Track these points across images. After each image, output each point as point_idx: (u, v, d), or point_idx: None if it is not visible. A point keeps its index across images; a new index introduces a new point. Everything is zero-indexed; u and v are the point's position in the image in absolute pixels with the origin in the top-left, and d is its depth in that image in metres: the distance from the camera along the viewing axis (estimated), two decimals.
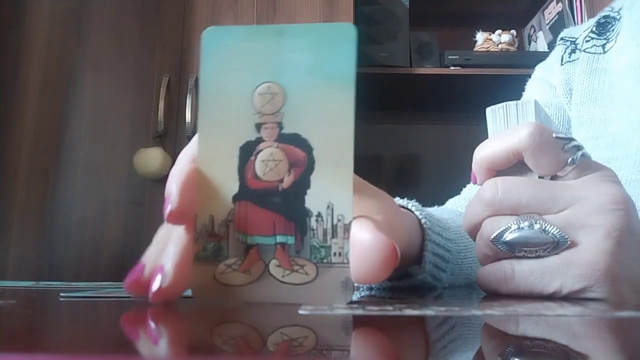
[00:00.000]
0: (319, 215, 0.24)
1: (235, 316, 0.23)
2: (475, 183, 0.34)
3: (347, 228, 0.24)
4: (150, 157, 1.33)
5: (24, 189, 1.35)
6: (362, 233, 0.23)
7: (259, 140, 0.25)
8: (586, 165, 0.31)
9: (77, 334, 0.19)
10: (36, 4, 1.44)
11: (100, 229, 1.34)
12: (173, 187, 0.24)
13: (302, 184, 0.24)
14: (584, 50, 0.58)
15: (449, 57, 1.55)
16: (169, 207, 0.24)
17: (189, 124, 1.35)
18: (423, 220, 0.38)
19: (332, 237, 0.24)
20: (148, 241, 0.27)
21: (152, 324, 0.21)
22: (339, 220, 0.24)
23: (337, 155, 0.24)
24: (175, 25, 1.44)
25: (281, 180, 0.25)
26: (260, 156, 0.25)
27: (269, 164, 0.25)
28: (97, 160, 1.37)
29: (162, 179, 1.32)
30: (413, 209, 0.39)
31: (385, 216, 0.26)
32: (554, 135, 0.30)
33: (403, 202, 0.40)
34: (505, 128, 0.34)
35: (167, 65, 1.41)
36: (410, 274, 0.38)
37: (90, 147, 1.38)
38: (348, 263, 0.24)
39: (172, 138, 1.39)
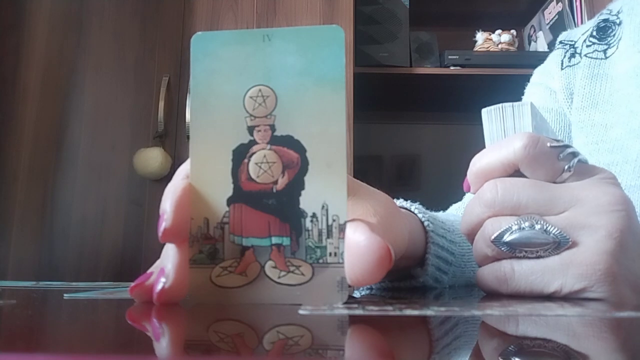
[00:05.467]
0: (313, 215, 0.24)
1: (234, 316, 0.23)
2: (468, 191, 0.34)
3: (342, 228, 0.24)
4: (150, 157, 1.33)
5: (24, 189, 1.36)
6: (356, 235, 0.23)
7: (252, 142, 0.25)
8: (584, 170, 0.31)
9: (82, 334, 0.19)
10: (36, 4, 1.44)
11: (100, 229, 1.34)
12: (167, 204, 0.24)
13: (296, 185, 0.25)
14: (585, 55, 0.58)
15: (449, 57, 1.55)
16: (162, 225, 0.24)
17: (189, 124, 1.35)
18: (426, 223, 0.38)
19: (327, 237, 0.24)
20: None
21: (153, 324, 0.21)
22: (333, 220, 0.24)
23: (331, 155, 0.24)
24: (175, 25, 1.44)
25: (275, 182, 0.25)
26: (253, 158, 0.25)
27: (263, 166, 0.25)
28: (97, 160, 1.37)
29: (162, 179, 1.33)
30: (416, 211, 0.39)
31: (381, 218, 0.26)
32: (548, 144, 0.30)
33: (406, 204, 0.40)
34: (501, 130, 0.33)
35: (167, 65, 1.42)
36: (412, 275, 0.38)
37: (90, 147, 1.38)
38: (343, 263, 0.24)
39: (172, 138, 1.39)
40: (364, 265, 0.23)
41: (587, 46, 0.59)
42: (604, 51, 0.57)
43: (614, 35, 0.57)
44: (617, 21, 0.57)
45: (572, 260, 0.29)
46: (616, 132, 0.52)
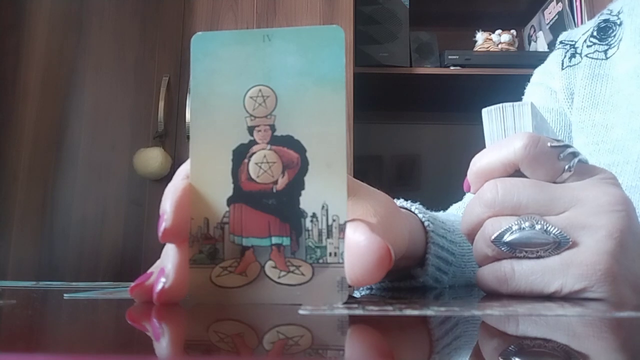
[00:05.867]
0: (313, 215, 0.24)
1: (234, 316, 0.23)
2: (468, 191, 0.34)
3: (342, 228, 0.24)
4: (150, 157, 1.33)
5: (24, 189, 1.36)
6: (356, 235, 0.23)
7: (252, 142, 0.25)
8: (584, 170, 0.31)
9: (82, 334, 0.19)
10: (36, 4, 1.44)
11: (100, 229, 1.34)
12: (167, 204, 0.24)
13: (296, 185, 0.25)
14: (585, 55, 0.58)
15: (449, 57, 1.55)
16: (162, 225, 0.24)
17: (189, 124, 1.34)
18: (426, 223, 0.38)
19: (327, 237, 0.24)
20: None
21: (153, 324, 0.21)
22: (333, 220, 0.24)
23: (330, 155, 0.24)
24: (175, 25, 1.44)
25: (275, 182, 0.25)
26: (253, 158, 0.25)
27: (263, 166, 0.25)
28: (97, 160, 1.37)
29: (162, 179, 1.33)
30: (416, 211, 0.39)
31: (381, 218, 0.26)
32: (548, 144, 0.30)
33: (407, 204, 0.40)
34: (501, 130, 0.33)
35: (167, 65, 1.42)
36: (412, 275, 0.38)
37: (90, 147, 1.38)
38: (343, 263, 0.24)
39: (172, 138, 1.39)
40: (364, 265, 0.23)
41: (588, 46, 0.59)
42: (605, 51, 0.57)
43: (614, 35, 0.57)
44: (618, 22, 0.57)
45: (573, 260, 0.29)
46: (617, 132, 0.52)
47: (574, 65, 0.59)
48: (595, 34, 0.59)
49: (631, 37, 0.55)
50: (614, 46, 0.56)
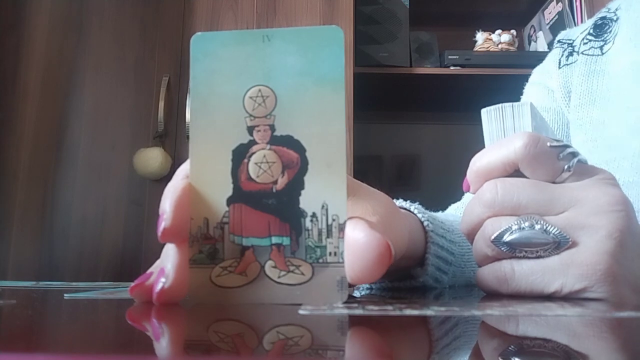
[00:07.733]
0: (313, 215, 0.24)
1: (234, 316, 0.23)
2: (467, 191, 0.34)
3: (341, 227, 0.24)
4: (150, 157, 1.33)
5: (24, 189, 1.36)
6: (355, 232, 0.23)
7: (252, 142, 0.25)
8: (583, 170, 0.31)
9: (82, 334, 0.19)
10: (36, 4, 1.44)
11: (100, 229, 1.34)
12: (167, 204, 0.24)
13: (296, 185, 0.25)
14: (581, 53, 0.58)
15: (449, 57, 1.55)
16: (162, 225, 0.24)
17: (189, 124, 1.34)
18: (425, 223, 0.38)
19: (327, 236, 0.24)
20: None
21: (153, 324, 0.21)
22: (333, 220, 0.24)
23: (330, 155, 0.24)
24: (175, 25, 1.44)
25: (275, 182, 0.25)
26: (253, 158, 0.25)
27: (263, 166, 0.25)
28: (97, 160, 1.37)
29: (162, 179, 1.33)
30: (415, 211, 0.39)
31: (380, 217, 0.26)
32: (548, 144, 0.30)
33: (406, 204, 0.40)
34: (500, 130, 0.33)
35: (167, 65, 1.41)
36: (412, 275, 0.38)
37: (90, 147, 1.38)
38: (343, 262, 0.24)
39: (172, 138, 1.39)
40: (364, 262, 0.23)
41: (584, 44, 0.59)
42: (601, 47, 0.57)
43: (610, 31, 0.57)
44: (614, 18, 0.57)
45: (572, 260, 0.29)
46: (614, 128, 0.52)
47: (571, 63, 0.59)
48: (592, 31, 0.59)
49: (627, 32, 0.55)
50: (610, 41, 0.56)
